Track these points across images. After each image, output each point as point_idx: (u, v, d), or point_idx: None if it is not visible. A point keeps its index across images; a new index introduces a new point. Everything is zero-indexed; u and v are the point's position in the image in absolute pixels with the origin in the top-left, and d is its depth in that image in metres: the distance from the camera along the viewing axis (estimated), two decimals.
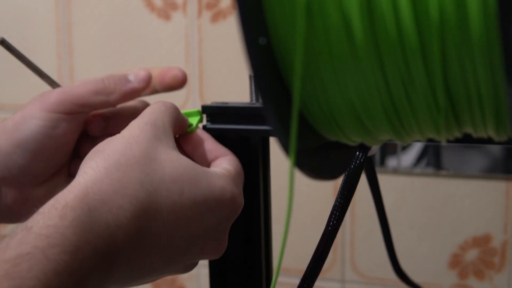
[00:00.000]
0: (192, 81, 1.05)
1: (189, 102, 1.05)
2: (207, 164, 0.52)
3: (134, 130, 0.46)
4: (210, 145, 0.53)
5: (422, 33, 0.31)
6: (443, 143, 0.38)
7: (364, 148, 0.53)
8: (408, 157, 0.96)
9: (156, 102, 0.51)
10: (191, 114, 0.55)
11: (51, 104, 0.55)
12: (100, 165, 0.43)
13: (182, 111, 0.53)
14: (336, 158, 0.48)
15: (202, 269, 1.10)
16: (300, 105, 0.35)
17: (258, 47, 0.33)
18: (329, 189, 1.01)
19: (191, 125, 0.54)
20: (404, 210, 0.98)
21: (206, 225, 0.47)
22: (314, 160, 0.41)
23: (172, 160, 0.46)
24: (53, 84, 0.59)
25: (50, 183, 0.56)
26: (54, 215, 0.38)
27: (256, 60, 0.33)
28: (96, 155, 0.44)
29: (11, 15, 1.17)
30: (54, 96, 0.55)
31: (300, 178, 0.98)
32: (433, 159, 0.95)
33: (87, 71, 1.13)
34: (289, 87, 0.36)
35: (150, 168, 0.44)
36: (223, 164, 0.51)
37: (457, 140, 0.42)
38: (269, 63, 0.35)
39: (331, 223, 0.55)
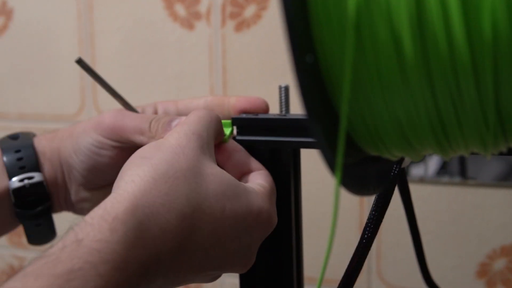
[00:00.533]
0: (216, 91, 1.05)
1: None
2: (239, 176, 0.52)
3: (181, 139, 0.47)
4: (243, 157, 0.53)
5: (474, 51, 0.30)
6: (487, 157, 0.38)
7: (399, 160, 0.53)
8: (433, 165, 0.95)
9: (202, 110, 0.51)
10: (223, 125, 0.55)
11: (102, 129, 0.56)
12: (148, 174, 0.43)
13: None
14: (372, 171, 0.47)
15: (227, 278, 1.10)
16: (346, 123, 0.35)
17: (306, 65, 0.33)
18: (355, 199, 1.00)
19: (225, 134, 0.54)
20: (430, 220, 0.97)
21: (242, 242, 0.47)
22: (354, 174, 0.41)
23: (215, 175, 0.46)
24: (126, 105, 0.60)
25: (108, 189, 0.58)
26: (105, 228, 0.38)
27: (303, 77, 0.32)
28: (143, 162, 0.44)
29: (34, 27, 1.18)
30: (107, 121, 0.56)
31: (326, 187, 0.98)
32: (457, 168, 0.94)
33: (110, 82, 1.13)
34: (335, 103, 0.36)
35: (196, 183, 0.44)
36: (258, 179, 0.51)
37: (500, 153, 0.41)
38: (315, 80, 0.34)
39: (365, 235, 0.54)
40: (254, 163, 0.53)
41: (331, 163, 0.35)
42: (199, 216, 0.43)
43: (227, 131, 0.55)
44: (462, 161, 0.94)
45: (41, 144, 0.60)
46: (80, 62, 0.55)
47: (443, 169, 0.95)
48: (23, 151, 0.58)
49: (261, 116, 0.57)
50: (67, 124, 1.15)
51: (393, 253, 1.00)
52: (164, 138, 0.47)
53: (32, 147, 0.59)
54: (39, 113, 1.19)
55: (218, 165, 0.53)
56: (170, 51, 1.08)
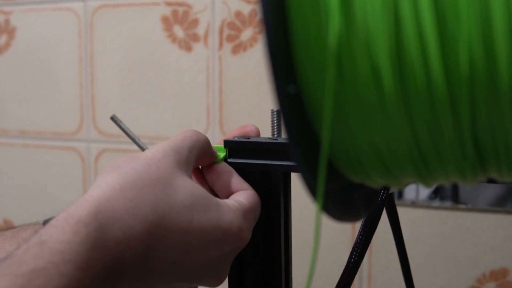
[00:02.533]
0: (212, 112, 1.06)
1: (208, 132, 1.06)
2: (226, 196, 0.53)
3: (157, 154, 0.47)
4: (232, 178, 0.54)
5: (451, 85, 0.31)
6: (467, 187, 0.39)
7: (386, 186, 0.53)
8: (425, 190, 0.96)
9: (190, 131, 0.52)
10: (219, 149, 0.56)
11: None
12: (115, 181, 0.43)
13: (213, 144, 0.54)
14: (358, 197, 0.48)
15: None
16: (327, 151, 0.36)
17: (288, 95, 0.34)
18: None
19: (218, 157, 0.55)
20: (421, 243, 0.98)
21: (210, 255, 0.47)
22: (338, 200, 0.42)
23: (186, 187, 0.46)
24: None
25: None
26: (67, 230, 0.39)
27: (286, 107, 0.33)
28: (114, 171, 0.45)
29: (35, 45, 1.19)
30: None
31: (315, 206, 0.98)
32: (450, 193, 0.95)
33: (109, 100, 1.14)
34: (316, 130, 0.37)
35: (164, 193, 0.45)
36: (239, 197, 0.52)
37: (480, 182, 0.42)
38: (298, 108, 0.35)
39: (352, 259, 0.55)
40: (242, 183, 0.54)
41: (312, 189, 0.35)
42: (165, 225, 0.43)
43: (221, 153, 0.56)
44: (454, 186, 0.94)
45: None
46: (113, 118, 0.55)
47: (434, 193, 0.96)
48: None
49: (252, 139, 0.57)
50: (67, 142, 1.16)
51: (384, 275, 1.00)
52: (142, 152, 0.48)
53: None
54: (39, 130, 1.20)
55: (208, 184, 0.54)
56: (168, 71, 1.09)
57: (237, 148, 0.57)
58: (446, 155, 0.34)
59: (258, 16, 0.33)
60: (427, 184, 0.39)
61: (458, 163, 0.35)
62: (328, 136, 0.35)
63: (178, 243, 0.44)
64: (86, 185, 1.18)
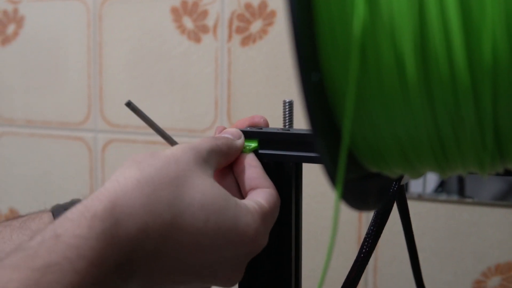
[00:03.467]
0: (220, 104, 1.06)
1: (216, 124, 1.06)
2: (248, 189, 0.53)
3: (177, 151, 0.47)
4: (256, 173, 0.53)
5: (474, 75, 0.31)
6: (484, 177, 0.39)
7: (398, 177, 0.54)
8: (431, 183, 0.96)
9: (215, 137, 0.52)
10: (250, 140, 0.56)
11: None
12: (133, 175, 0.43)
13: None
14: (372, 187, 0.48)
15: None
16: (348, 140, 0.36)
17: (311, 83, 0.34)
18: (354, 213, 1.01)
19: (247, 147, 0.55)
20: (427, 236, 0.98)
21: (222, 256, 0.47)
22: (355, 190, 0.42)
23: (204, 185, 0.46)
24: (173, 144, 0.59)
25: None
26: (83, 225, 0.39)
27: (309, 95, 0.34)
28: (132, 165, 0.45)
29: (44, 35, 1.19)
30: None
31: (326, 201, 0.99)
32: (456, 187, 0.95)
33: (117, 91, 1.14)
34: (338, 120, 0.37)
35: (180, 191, 0.44)
36: (259, 197, 0.51)
37: (497, 174, 0.42)
38: (320, 97, 0.36)
39: (363, 249, 0.55)
40: (265, 181, 0.53)
41: (332, 178, 0.36)
42: (179, 225, 0.43)
43: (251, 144, 0.56)
44: (460, 180, 0.95)
45: None
46: (129, 105, 0.54)
47: (441, 187, 0.96)
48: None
49: (265, 129, 0.58)
50: (74, 131, 1.16)
51: (390, 268, 1.01)
52: (163, 151, 0.48)
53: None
54: (46, 120, 1.20)
55: (234, 176, 0.53)
56: (176, 62, 1.09)
57: (249, 138, 0.57)
58: (466, 144, 0.35)
59: (283, 4, 0.34)
60: (444, 174, 0.39)
61: (477, 153, 0.35)
62: (350, 125, 0.35)
63: (190, 244, 0.44)
64: (93, 175, 1.18)
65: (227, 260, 0.47)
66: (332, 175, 0.36)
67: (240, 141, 0.55)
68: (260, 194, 0.51)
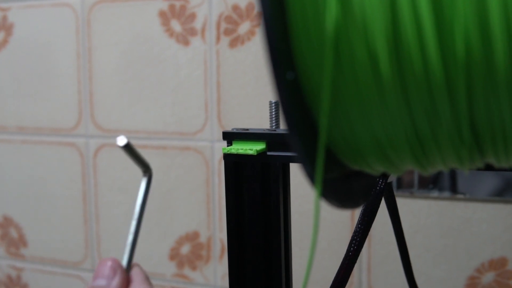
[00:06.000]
0: (210, 106, 1.06)
1: (206, 126, 1.06)
2: None
3: None
4: None
5: (448, 70, 0.31)
6: (465, 172, 0.39)
7: (384, 175, 0.54)
8: (424, 180, 0.96)
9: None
10: (257, 142, 0.56)
11: None
12: None
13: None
14: (357, 186, 0.48)
15: None
16: (325, 138, 0.36)
17: (286, 82, 0.34)
18: (346, 213, 1.01)
19: (254, 149, 0.55)
20: (420, 234, 0.98)
21: None
22: (337, 188, 0.42)
23: None
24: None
25: None
26: None
27: (284, 94, 0.34)
28: None
29: (33, 41, 1.19)
30: None
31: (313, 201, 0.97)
32: (448, 183, 0.95)
33: (107, 96, 1.14)
34: (315, 118, 0.37)
35: None
36: None
37: (478, 169, 0.42)
38: (296, 96, 0.36)
39: (351, 248, 0.55)
40: None
41: (311, 177, 0.36)
42: None
43: (258, 147, 0.56)
44: (452, 176, 0.95)
45: None
46: (127, 146, 0.48)
47: (433, 184, 0.96)
48: None
49: (251, 130, 0.58)
50: (66, 137, 1.16)
51: (384, 266, 1.01)
52: None
53: None
54: (38, 126, 1.20)
55: None
56: (166, 66, 1.09)
57: (236, 139, 0.57)
58: (444, 140, 0.35)
59: (256, 3, 0.34)
60: (425, 170, 0.39)
61: (455, 148, 0.35)
62: (326, 123, 0.35)
63: None
64: (85, 180, 1.18)
65: None
66: (310, 174, 0.36)
67: (115, 281, 0.48)
68: None
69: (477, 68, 0.31)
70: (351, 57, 0.33)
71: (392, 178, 0.56)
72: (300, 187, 0.96)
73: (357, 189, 0.48)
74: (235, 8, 1.03)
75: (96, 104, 1.14)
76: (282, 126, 0.60)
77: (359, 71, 0.33)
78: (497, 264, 0.95)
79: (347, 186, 0.44)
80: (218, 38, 1.05)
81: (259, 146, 0.56)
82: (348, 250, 0.55)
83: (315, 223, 0.36)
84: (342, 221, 1.01)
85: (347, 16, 0.32)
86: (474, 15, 0.30)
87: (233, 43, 1.04)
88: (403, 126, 0.35)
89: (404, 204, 0.97)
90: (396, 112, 0.34)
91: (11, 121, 1.23)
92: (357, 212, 1.00)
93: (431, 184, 0.96)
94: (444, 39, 0.31)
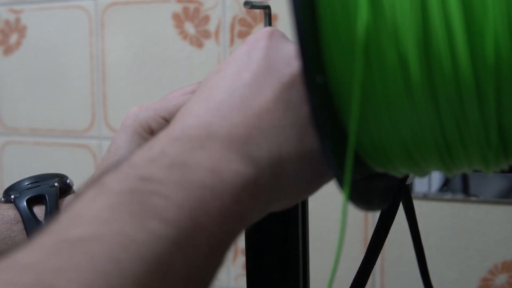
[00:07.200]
0: None
1: None
2: None
3: None
4: None
5: (477, 73, 0.32)
6: (490, 175, 0.39)
7: (403, 177, 0.54)
8: (436, 182, 0.97)
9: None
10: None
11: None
12: None
13: None
14: (377, 187, 0.49)
15: None
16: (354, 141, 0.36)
17: (316, 85, 0.34)
18: (360, 215, 1.02)
19: None
20: (433, 235, 0.98)
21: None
22: (360, 190, 0.42)
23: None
24: None
25: None
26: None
27: (314, 97, 0.34)
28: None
29: (46, 43, 1.20)
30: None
31: (332, 202, 0.99)
32: (460, 185, 0.95)
33: (120, 98, 1.15)
34: (344, 121, 0.37)
35: None
36: None
37: (502, 171, 0.43)
38: (326, 99, 0.36)
39: (370, 250, 0.56)
40: None
41: (339, 179, 0.36)
42: None
43: None
44: (464, 178, 0.95)
45: None
46: None
47: (445, 186, 0.96)
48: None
49: None
50: (78, 139, 1.17)
51: (397, 268, 1.01)
52: None
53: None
54: (50, 128, 1.21)
55: None
56: (179, 68, 1.09)
57: None
58: (471, 143, 0.35)
59: (288, 7, 0.34)
60: (450, 172, 0.39)
61: (482, 151, 0.35)
62: (356, 126, 0.35)
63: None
64: None
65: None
66: (339, 177, 0.36)
67: None
68: None
69: (506, 72, 0.31)
70: (381, 61, 0.33)
71: (411, 180, 0.56)
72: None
73: (376, 191, 0.49)
74: (249, 10, 1.03)
75: (109, 106, 1.14)
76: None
77: (389, 74, 0.33)
78: (510, 265, 0.95)
79: (368, 187, 0.45)
80: (232, 41, 1.05)
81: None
82: (367, 253, 0.55)
83: (341, 227, 0.37)
84: (355, 223, 1.01)
85: (378, 20, 0.33)
86: (504, 19, 0.31)
87: None
88: (431, 129, 0.35)
89: (417, 206, 0.97)
90: (424, 115, 0.34)
91: (23, 123, 1.23)
92: (371, 214, 1.00)
93: (444, 186, 0.96)
94: (474, 43, 0.31)
